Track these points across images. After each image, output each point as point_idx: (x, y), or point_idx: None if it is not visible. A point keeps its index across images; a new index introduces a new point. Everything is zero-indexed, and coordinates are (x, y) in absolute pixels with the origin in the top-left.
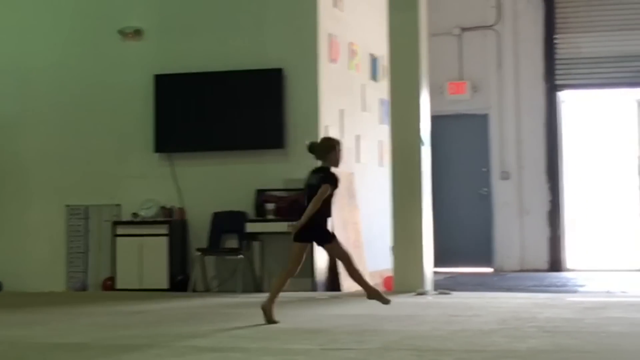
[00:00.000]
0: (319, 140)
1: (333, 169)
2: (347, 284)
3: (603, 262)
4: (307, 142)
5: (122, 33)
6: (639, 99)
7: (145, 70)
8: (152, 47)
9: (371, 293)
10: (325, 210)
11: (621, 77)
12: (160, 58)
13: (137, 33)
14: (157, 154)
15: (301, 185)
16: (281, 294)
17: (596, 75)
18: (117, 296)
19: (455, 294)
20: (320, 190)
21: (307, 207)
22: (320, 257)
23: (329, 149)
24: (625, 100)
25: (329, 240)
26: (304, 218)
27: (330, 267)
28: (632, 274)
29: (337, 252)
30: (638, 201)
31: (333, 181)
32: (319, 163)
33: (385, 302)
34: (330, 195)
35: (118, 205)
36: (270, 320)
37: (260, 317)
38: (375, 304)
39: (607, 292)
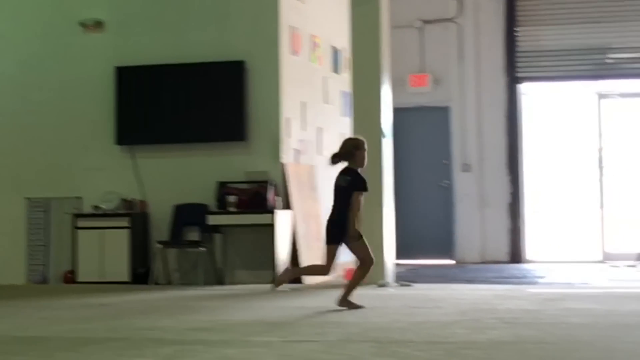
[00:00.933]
0: (341, 143)
1: (359, 170)
2: (309, 276)
3: (563, 253)
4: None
5: (83, 25)
6: (599, 91)
7: (107, 62)
8: (113, 39)
9: (343, 302)
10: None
11: (582, 69)
12: (122, 50)
13: (98, 25)
14: (118, 147)
15: (262, 178)
16: (243, 287)
17: (557, 68)
18: (78, 289)
19: (416, 285)
20: (353, 200)
21: (348, 216)
22: (282, 249)
23: (354, 150)
24: (586, 92)
25: (338, 240)
26: (350, 227)
27: (292, 260)
28: (592, 266)
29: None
30: (598, 193)
31: (362, 186)
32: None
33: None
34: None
35: (79, 197)
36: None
37: (220, 310)
38: (337, 295)
39: (567, 283)
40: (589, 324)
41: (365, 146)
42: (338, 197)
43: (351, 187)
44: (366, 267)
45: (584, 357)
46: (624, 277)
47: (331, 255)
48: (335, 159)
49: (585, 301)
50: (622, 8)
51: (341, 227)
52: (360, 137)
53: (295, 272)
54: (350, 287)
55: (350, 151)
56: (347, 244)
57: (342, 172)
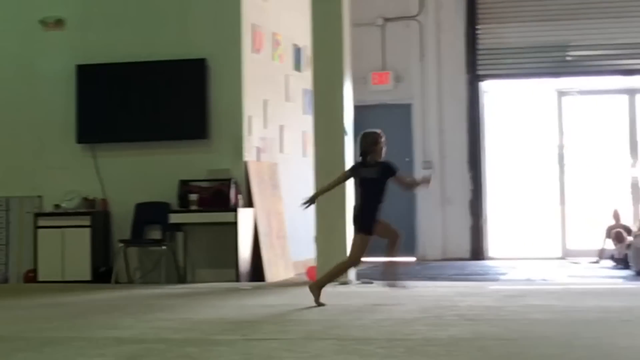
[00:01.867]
0: (361, 136)
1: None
2: (270, 274)
3: (524, 250)
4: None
5: (44, 23)
6: (559, 88)
7: (67, 60)
8: (74, 37)
9: (313, 289)
10: (380, 200)
11: (542, 67)
12: (83, 48)
13: (59, 23)
14: (79, 145)
15: (224, 176)
16: (206, 285)
17: (517, 66)
18: (39, 288)
19: (377, 283)
20: (399, 178)
21: (376, 206)
22: (244, 247)
23: (372, 146)
24: (546, 90)
25: (366, 229)
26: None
27: (254, 257)
28: (553, 262)
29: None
30: (558, 190)
31: (395, 167)
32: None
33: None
34: (385, 185)
35: (40, 196)
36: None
37: (183, 309)
38: (299, 293)
39: (528, 280)
40: (549, 320)
41: (382, 138)
42: (366, 189)
43: (385, 176)
44: (350, 264)
45: (544, 352)
46: (584, 273)
47: (363, 245)
48: (363, 156)
49: (546, 298)
50: (582, 6)
51: (371, 217)
52: (377, 131)
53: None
54: (326, 279)
55: (370, 147)
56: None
57: (366, 165)
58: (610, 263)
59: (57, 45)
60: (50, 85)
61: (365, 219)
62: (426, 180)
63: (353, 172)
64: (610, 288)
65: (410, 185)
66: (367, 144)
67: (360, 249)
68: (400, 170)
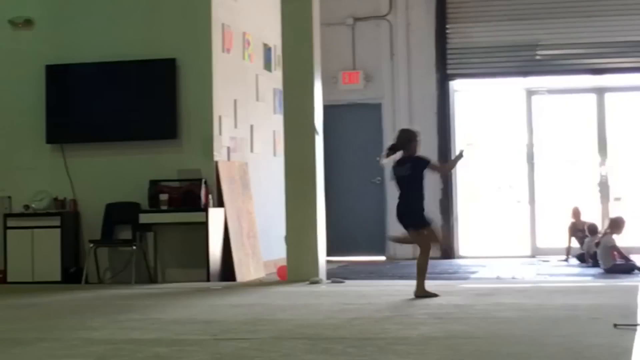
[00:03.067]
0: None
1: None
2: (241, 274)
3: (494, 249)
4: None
5: (13, 23)
6: (528, 87)
7: (37, 60)
8: (43, 37)
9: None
10: (420, 194)
11: (511, 66)
12: (52, 48)
13: (28, 23)
14: (48, 145)
15: (194, 176)
16: (176, 285)
17: (487, 65)
18: (9, 289)
19: (348, 282)
20: (433, 165)
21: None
22: (214, 247)
23: (408, 142)
24: (516, 89)
25: (422, 226)
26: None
27: (224, 257)
28: (523, 261)
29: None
30: (527, 188)
31: (426, 159)
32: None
33: (433, 296)
34: (421, 179)
35: (9, 197)
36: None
37: (153, 309)
38: (270, 293)
39: (497, 278)
40: (519, 318)
41: (419, 137)
42: (404, 187)
43: (419, 169)
44: (426, 255)
45: (514, 351)
46: (553, 271)
47: (422, 236)
48: (391, 150)
49: (516, 296)
50: (551, 5)
51: (417, 213)
52: (414, 128)
53: (421, 275)
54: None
55: (404, 143)
56: (414, 229)
57: (399, 163)
58: (577, 261)
59: (26, 46)
60: (20, 85)
61: (412, 216)
62: (460, 156)
63: (392, 172)
64: (579, 286)
65: (448, 168)
66: (401, 140)
67: (424, 239)
68: (432, 160)
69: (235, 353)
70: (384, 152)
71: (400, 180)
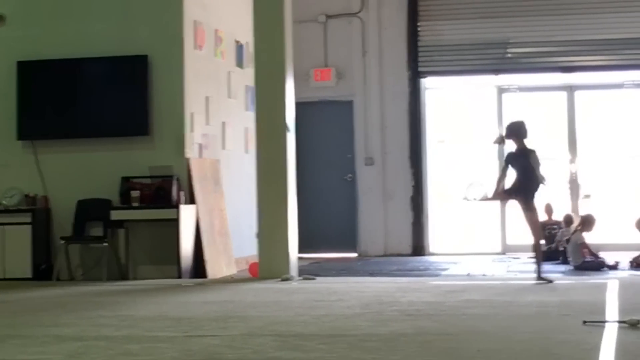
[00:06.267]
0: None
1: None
2: (212, 270)
3: (465, 246)
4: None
5: None
6: (499, 85)
7: (8, 56)
8: (14, 33)
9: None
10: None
11: (482, 64)
12: (24, 44)
13: (0, 19)
14: (20, 142)
15: (166, 172)
16: (147, 282)
17: (458, 62)
18: None
19: (319, 279)
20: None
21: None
22: (186, 244)
23: (519, 129)
24: (486, 86)
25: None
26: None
27: (196, 254)
28: (493, 258)
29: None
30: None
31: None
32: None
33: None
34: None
35: None
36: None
37: (124, 306)
38: (241, 290)
39: (468, 275)
40: (489, 314)
41: (526, 127)
42: (518, 173)
43: (528, 158)
44: (537, 239)
45: (484, 347)
46: (523, 268)
47: (533, 217)
48: (502, 139)
49: (486, 293)
50: (521, 3)
51: (528, 191)
52: (520, 120)
53: (537, 258)
54: (537, 262)
55: (515, 133)
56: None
57: (514, 153)
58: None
59: None
60: None
61: (523, 192)
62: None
63: (509, 161)
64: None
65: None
66: (511, 130)
67: (532, 221)
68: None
69: (206, 350)
70: (498, 138)
71: (516, 168)
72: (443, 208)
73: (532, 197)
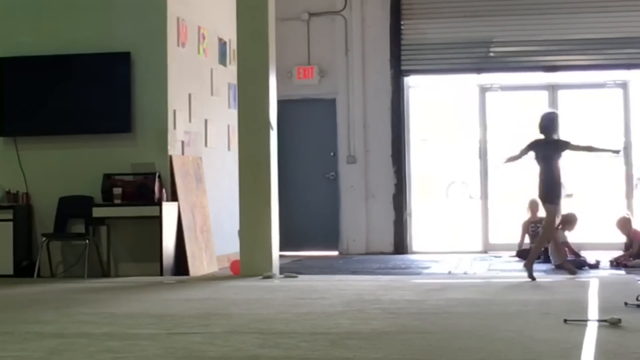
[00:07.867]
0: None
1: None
2: (194, 268)
3: (447, 244)
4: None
5: None
6: (481, 84)
7: None
8: None
9: (527, 264)
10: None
11: (465, 62)
12: (5, 41)
13: None
14: (1, 138)
15: (148, 170)
16: (129, 279)
17: (441, 61)
18: None
19: (301, 277)
20: (572, 145)
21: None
22: (168, 241)
23: (552, 121)
24: (469, 85)
25: (550, 200)
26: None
27: (177, 251)
28: (475, 256)
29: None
30: (480, 184)
31: (566, 140)
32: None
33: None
34: (559, 160)
35: None
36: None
37: (105, 303)
38: (223, 287)
39: (450, 273)
40: (470, 313)
41: (559, 118)
42: (545, 164)
43: (559, 152)
44: (545, 235)
45: (466, 345)
46: (505, 267)
47: (552, 215)
48: (545, 133)
49: (467, 291)
50: (504, 2)
51: (552, 189)
52: (553, 111)
53: (535, 251)
54: (533, 255)
55: (548, 124)
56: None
57: (546, 143)
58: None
59: None
60: None
61: (548, 191)
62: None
63: (532, 147)
64: (530, 282)
65: (589, 150)
66: (544, 122)
67: (549, 219)
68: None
69: (188, 347)
70: (539, 137)
71: (544, 158)
72: (425, 206)
73: (558, 202)
